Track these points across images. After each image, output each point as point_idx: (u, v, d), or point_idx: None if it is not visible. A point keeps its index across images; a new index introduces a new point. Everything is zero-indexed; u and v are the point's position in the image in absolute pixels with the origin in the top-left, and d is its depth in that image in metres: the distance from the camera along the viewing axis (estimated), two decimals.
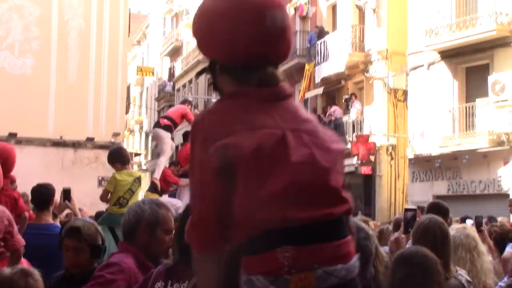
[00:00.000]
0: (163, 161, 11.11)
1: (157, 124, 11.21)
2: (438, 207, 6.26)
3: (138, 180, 7.76)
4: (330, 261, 2.03)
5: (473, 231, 5.06)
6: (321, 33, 27.54)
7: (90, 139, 21.68)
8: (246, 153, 2.02)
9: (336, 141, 2.22)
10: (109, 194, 7.67)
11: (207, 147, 2.06)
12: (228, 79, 2.20)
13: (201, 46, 2.28)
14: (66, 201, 6.17)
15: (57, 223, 5.95)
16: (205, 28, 2.22)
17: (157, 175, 10.81)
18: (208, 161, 2.06)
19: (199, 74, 2.45)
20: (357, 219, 2.71)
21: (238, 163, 2.03)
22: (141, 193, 9.11)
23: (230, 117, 2.11)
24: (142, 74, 51.00)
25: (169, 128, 10.82)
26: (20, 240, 4.88)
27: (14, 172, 6.53)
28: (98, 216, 8.44)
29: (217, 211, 2.07)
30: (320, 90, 27.58)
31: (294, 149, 2.06)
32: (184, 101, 12.69)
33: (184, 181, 11.71)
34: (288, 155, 2.05)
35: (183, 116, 11.51)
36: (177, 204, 11.20)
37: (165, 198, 11.45)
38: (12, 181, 6.67)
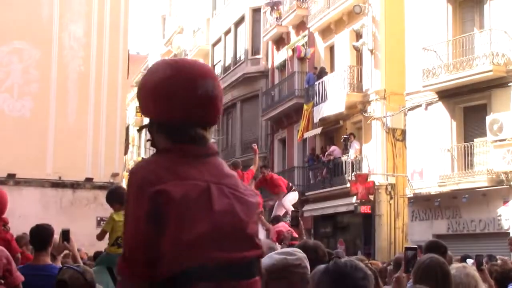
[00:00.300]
0: None
1: None
2: (436, 246, 6.23)
3: None
4: None
5: (473, 270, 5.03)
6: (322, 74, 27.76)
7: (89, 180, 21.66)
8: (175, 199, 2.31)
9: (253, 195, 2.54)
10: (107, 234, 7.65)
11: (141, 192, 2.34)
12: (163, 136, 2.51)
13: (142, 108, 2.59)
14: (65, 242, 6.15)
15: (59, 263, 5.93)
16: (146, 93, 2.54)
17: None
18: (141, 205, 2.33)
19: (140, 129, 2.64)
20: (354, 259, 2.72)
21: (167, 208, 2.30)
22: None
23: (163, 168, 2.40)
24: (141, 115, 51.16)
25: None
26: (19, 277, 5.01)
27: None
28: (96, 256, 8.38)
29: (146, 249, 2.32)
30: (318, 130, 27.67)
31: (216, 199, 2.38)
32: None
33: None
34: (211, 204, 2.37)
35: None
36: None
37: None
38: (5, 223, 6.68)
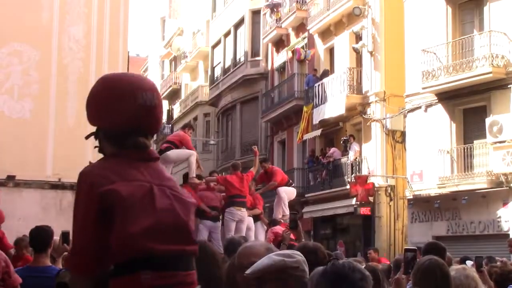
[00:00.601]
0: (193, 161, 11.95)
1: (160, 151, 11.63)
2: (435, 247, 6.23)
3: None
4: (179, 286, 2.65)
5: (473, 272, 5.03)
6: (324, 76, 27.78)
7: None
8: (122, 198, 2.59)
9: (189, 197, 2.85)
10: None
11: (92, 191, 2.60)
12: (109, 143, 2.81)
13: (90, 117, 2.88)
14: (65, 244, 6.15)
15: (59, 265, 5.93)
16: (93, 104, 2.83)
17: (192, 173, 11.86)
18: (91, 203, 2.60)
19: (87, 137, 3.00)
20: (351, 260, 2.72)
21: (115, 205, 2.58)
22: None
23: (111, 171, 2.68)
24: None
25: (169, 148, 11.46)
26: (17, 279, 5.09)
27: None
28: None
29: (94, 244, 2.59)
30: (318, 132, 27.68)
31: (159, 198, 2.67)
32: (184, 126, 12.93)
33: None
34: (154, 202, 2.65)
35: (182, 142, 11.82)
36: None
37: None
38: None
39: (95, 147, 2.93)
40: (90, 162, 2.93)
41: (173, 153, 11.64)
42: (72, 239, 2.71)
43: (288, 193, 13.22)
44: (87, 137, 2.98)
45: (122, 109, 2.73)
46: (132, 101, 2.73)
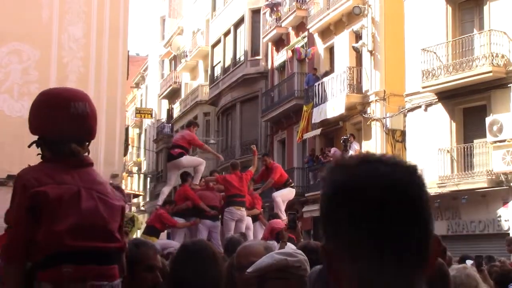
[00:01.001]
0: (201, 170, 12.24)
1: (172, 157, 11.70)
2: None
3: (130, 221, 7.76)
4: (98, 278, 3.00)
5: (473, 271, 5.02)
6: (326, 75, 27.77)
7: None
8: (51, 199, 2.95)
9: (118, 200, 3.21)
10: None
11: (24, 192, 2.97)
12: (47, 150, 3.18)
13: (30, 127, 3.23)
14: None
15: None
16: (32, 115, 3.20)
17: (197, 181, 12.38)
18: (23, 202, 2.97)
19: (30, 145, 3.30)
20: None
21: (43, 205, 2.95)
22: (139, 233, 9.14)
23: (44, 174, 3.05)
24: (141, 116, 51.16)
25: (182, 154, 11.61)
26: None
27: None
28: None
29: (24, 236, 2.96)
30: (318, 131, 27.66)
31: (84, 201, 3.03)
32: (189, 124, 12.95)
33: (181, 223, 11.79)
34: (79, 204, 3.01)
35: (190, 142, 11.90)
36: (175, 245, 11.30)
37: (162, 240, 11.48)
38: None
39: (38, 154, 3.25)
40: (28, 165, 3.20)
41: (186, 159, 12.08)
42: (7, 234, 3.10)
43: (285, 195, 13.20)
44: (29, 145, 3.28)
45: (57, 119, 3.11)
46: (65, 111, 3.09)
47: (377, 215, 1.24)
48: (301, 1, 30.68)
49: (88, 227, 3.00)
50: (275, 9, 32.94)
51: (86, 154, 3.24)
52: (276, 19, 32.65)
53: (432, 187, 21.98)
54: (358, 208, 1.25)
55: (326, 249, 1.30)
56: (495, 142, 19.80)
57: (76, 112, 3.09)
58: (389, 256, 1.24)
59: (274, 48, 34.29)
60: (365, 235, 1.24)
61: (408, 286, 1.25)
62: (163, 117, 51.63)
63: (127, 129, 33.39)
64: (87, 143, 3.25)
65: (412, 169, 1.31)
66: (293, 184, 13.82)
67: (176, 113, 47.12)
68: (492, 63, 20.11)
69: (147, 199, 51.32)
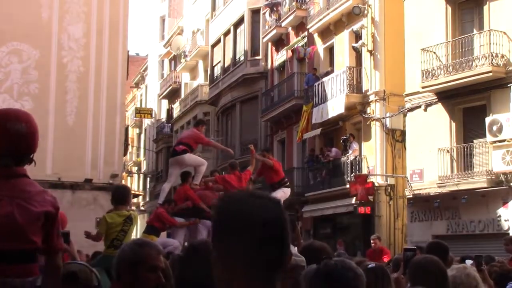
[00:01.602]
0: (202, 170, 12.21)
1: (176, 153, 11.70)
2: (438, 247, 6.22)
3: (129, 219, 7.77)
4: (13, 276, 3.45)
5: (473, 271, 5.03)
6: (326, 75, 27.77)
7: (88, 181, 21.63)
8: None
9: (41, 206, 3.61)
10: (102, 236, 7.76)
11: None
12: None
13: None
14: (65, 244, 6.15)
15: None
16: None
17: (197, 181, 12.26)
18: None
19: None
20: (344, 259, 2.74)
21: None
22: (138, 231, 9.18)
23: None
24: (141, 116, 51.20)
25: (186, 152, 11.57)
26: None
27: None
28: (95, 255, 8.42)
29: None
30: (318, 131, 27.67)
31: (3, 207, 3.47)
32: (197, 123, 12.94)
33: (181, 222, 11.81)
34: None
35: (197, 141, 11.91)
36: (174, 244, 11.32)
37: (161, 239, 11.50)
38: None
39: None
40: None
41: (189, 157, 12.03)
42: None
43: (281, 197, 13.08)
44: None
45: None
46: (4, 131, 3.54)
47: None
48: (301, 1, 30.68)
49: (1, 230, 3.45)
50: (275, 9, 32.94)
51: (29, 164, 3.73)
52: (276, 19, 32.66)
53: (432, 187, 22.03)
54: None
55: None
56: (495, 142, 19.81)
57: (16, 133, 3.56)
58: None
59: (274, 48, 34.29)
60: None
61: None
62: (163, 117, 51.66)
63: (127, 129, 33.40)
64: (30, 156, 3.74)
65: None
66: (288, 183, 13.59)
67: (176, 113, 47.13)
68: (491, 63, 20.12)
69: (147, 199, 51.36)
